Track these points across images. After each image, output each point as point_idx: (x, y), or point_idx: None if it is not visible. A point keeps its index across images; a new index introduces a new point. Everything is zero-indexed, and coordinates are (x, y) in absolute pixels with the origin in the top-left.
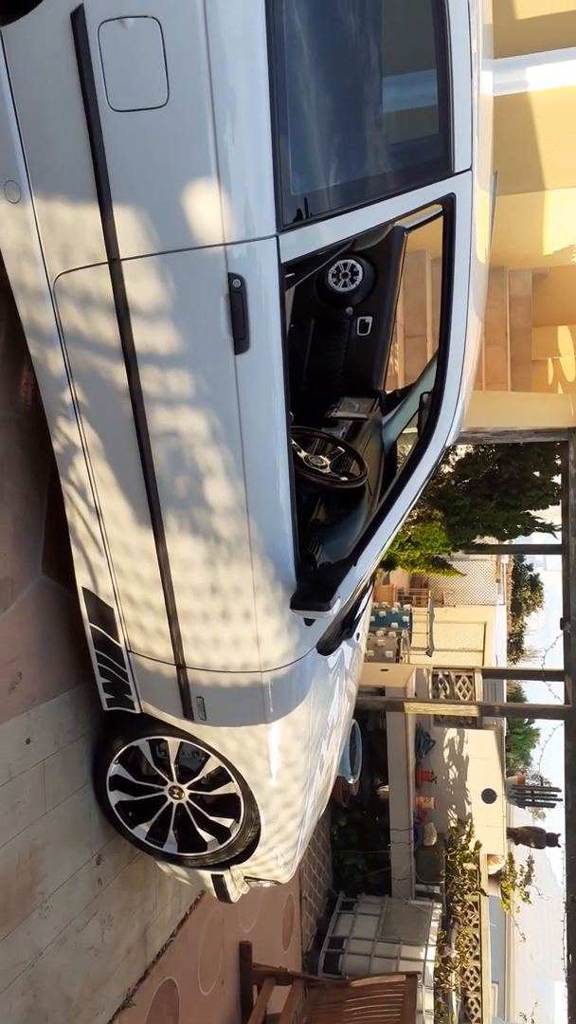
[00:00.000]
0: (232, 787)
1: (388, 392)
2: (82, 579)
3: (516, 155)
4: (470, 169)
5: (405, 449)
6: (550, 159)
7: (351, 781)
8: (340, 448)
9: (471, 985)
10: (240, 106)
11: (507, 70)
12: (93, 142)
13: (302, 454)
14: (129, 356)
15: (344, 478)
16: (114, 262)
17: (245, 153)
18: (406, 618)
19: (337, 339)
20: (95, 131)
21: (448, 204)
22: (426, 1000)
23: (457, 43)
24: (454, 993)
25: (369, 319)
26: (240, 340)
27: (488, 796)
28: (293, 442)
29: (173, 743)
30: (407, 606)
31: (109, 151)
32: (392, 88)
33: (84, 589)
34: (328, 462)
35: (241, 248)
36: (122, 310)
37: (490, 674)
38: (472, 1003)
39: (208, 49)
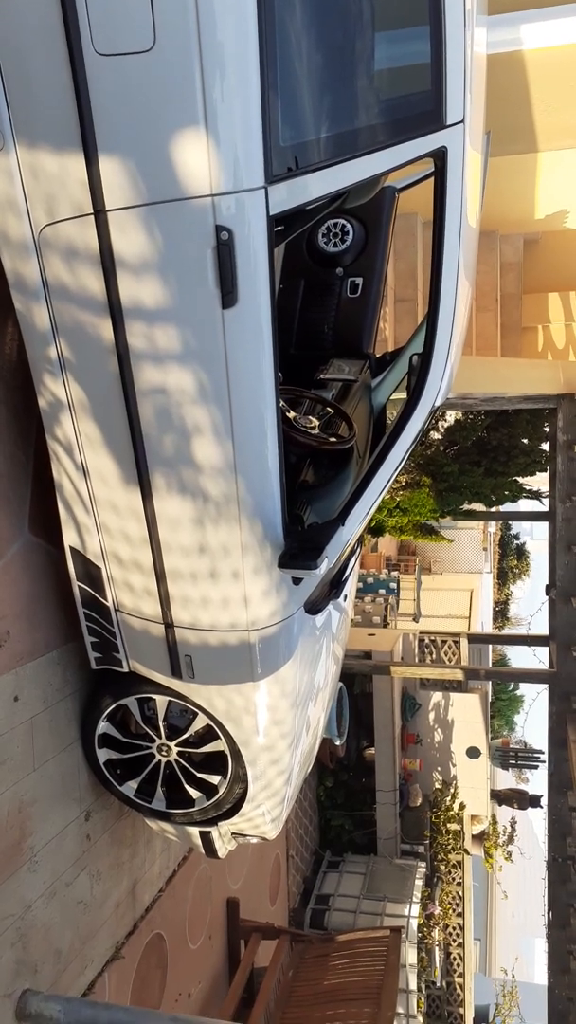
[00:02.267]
0: (220, 744)
1: (378, 355)
2: (69, 538)
3: (509, 115)
4: (462, 122)
5: (394, 414)
6: (544, 119)
7: (338, 743)
8: (329, 409)
9: (454, 941)
10: (228, 52)
11: (501, 27)
12: (77, 88)
13: (291, 415)
14: (115, 310)
15: (333, 439)
16: (100, 213)
17: (233, 101)
18: (393, 585)
19: (327, 300)
20: (79, 76)
21: (439, 158)
22: (410, 955)
23: None
24: (437, 948)
25: (359, 280)
26: (228, 294)
27: (472, 752)
28: (282, 402)
29: (161, 701)
30: (395, 573)
31: (94, 97)
32: (384, 40)
33: (71, 548)
34: (317, 423)
35: (229, 200)
36: (108, 263)
37: (476, 639)
38: (455, 958)
39: None
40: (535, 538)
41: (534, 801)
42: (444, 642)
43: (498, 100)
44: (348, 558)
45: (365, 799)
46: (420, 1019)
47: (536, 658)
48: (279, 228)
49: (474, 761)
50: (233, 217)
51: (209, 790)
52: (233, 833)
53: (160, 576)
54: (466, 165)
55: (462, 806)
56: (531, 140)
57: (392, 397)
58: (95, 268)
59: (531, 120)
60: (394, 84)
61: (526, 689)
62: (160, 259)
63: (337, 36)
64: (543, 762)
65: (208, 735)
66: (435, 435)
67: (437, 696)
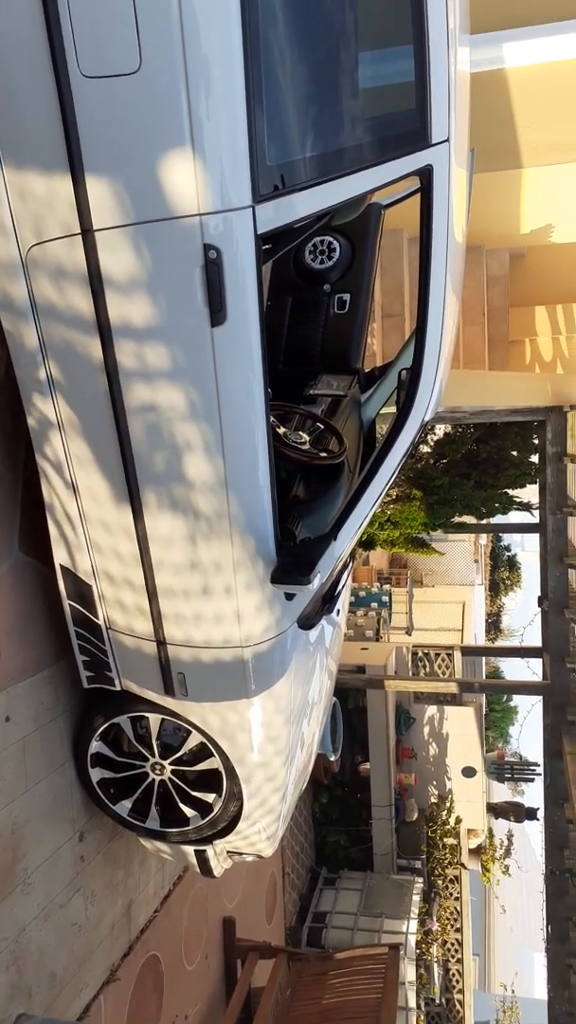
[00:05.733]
0: (214, 762)
1: (366, 370)
2: (60, 557)
3: (493, 132)
4: (447, 140)
5: (384, 429)
6: (527, 136)
7: (332, 758)
8: (319, 425)
9: (452, 957)
10: (214, 73)
11: (484, 45)
12: (64, 110)
13: (281, 430)
14: (104, 330)
15: (323, 454)
16: (87, 233)
17: (220, 121)
18: (386, 598)
19: (315, 316)
20: (66, 98)
21: (425, 176)
22: (408, 972)
23: (434, 16)
24: (436, 965)
25: (347, 296)
26: (217, 312)
27: (468, 772)
28: (272, 418)
29: (154, 719)
30: (386, 587)
31: (80, 119)
32: (369, 59)
33: (62, 567)
34: (307, 438)
35: (217, 219)
36: (96, 282)
37: (469, 652)
38: (453, 974)
39: (181, 13)
40: (526, 550)
41: (531, 814)
42: (437, 655)
43: (482, 118)
44: (340, 572)
45: (361, 815)
46: None
47: (530, 670)
48: (266, 246)
49: (470, 778)
50: (221, 236)
51: (204, 808)
52: (228, 851)
53: (152, 594)
54: (452, 182)
55: (458, 820)
56: (515, 157)
57: (382, 412)
58: (83, 288)
59: (515, 137)
60: (379, 103)
61: (520, 701)
62: (148, 278)
63: (322, 56)
64: (539, 774)
65: (202, 753)
66: (425, 449)
67: (431, 710)
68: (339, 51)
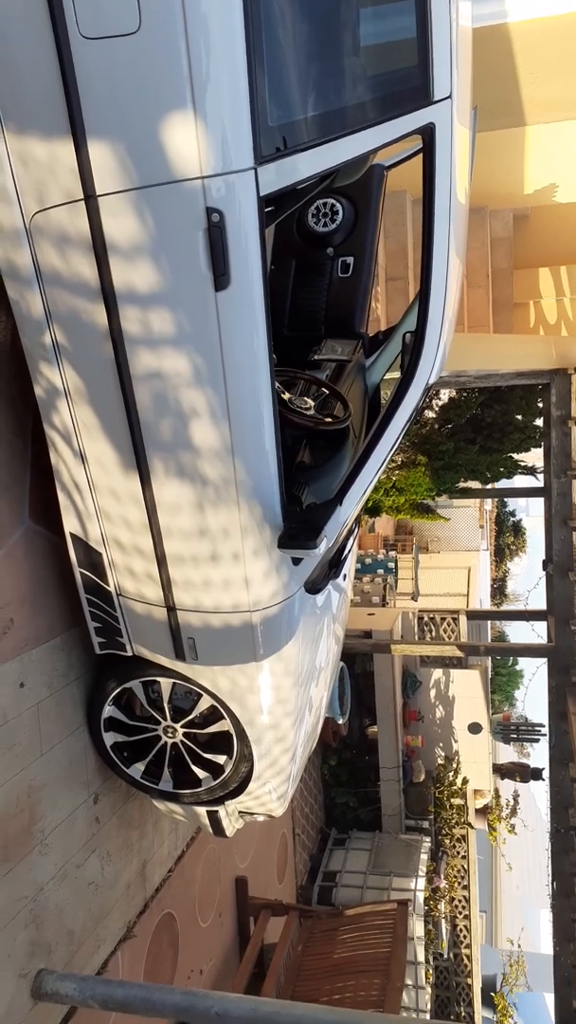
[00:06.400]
0: (225, 724)
1: (370, 334)
2: (70, 525)
3: (495, 89)
4: (449, 97)
5: (388, 394)
6: (531, 93)
7: (340, 721)
8: (324, 390)
9: (460, 913)
10: (215, 33)
11: (487, 0)
12: (64, 73)
13: (286, 396)
14: (108, 296)
15: (328, 419)
16: (90, 199)
17: (221, 82)
18: (391, 565)
19: (318, 281)
20: (66, 61)
21: (428, 135)
22: (417, 927)
23: None
24: (444, 921)
25: (350, 260)
26: (220, 276)
27: (474, 728)
28: (277, 384)
29: (166, 684)
30: (392, 553)
31: (81, 82)
32: (370, 16)
33: (72, 535)
34: (312, 404)
35: (219, 181)
36: (100, 248)
37: (475, 616)
38: (461, 930)
39: None
40: (531, 514)
41: (536, 774)
42: (443, 619)
43: (484, 74)
44: (346, 537)
45: (369, 776)
46: (429, 990)
47: (535, 633)
48: (269, 209)
49: (476, 736)
50: (223, 199)
51: (215, 770)
52: (240, 812)
53: (161, 560)
54: (454, 141)
55: (465, 781)
56: (518, 114)
57: (386, 377)
58: (87, 254)
59: (518, 94)
60: (381, 60)
61: (525, 664)
62: (152, 243)
63: (322, 13)
64: (544, 735)
65: (213, 716)
66: (429, 414)
67: (437, 673)
68: (340, 8)
